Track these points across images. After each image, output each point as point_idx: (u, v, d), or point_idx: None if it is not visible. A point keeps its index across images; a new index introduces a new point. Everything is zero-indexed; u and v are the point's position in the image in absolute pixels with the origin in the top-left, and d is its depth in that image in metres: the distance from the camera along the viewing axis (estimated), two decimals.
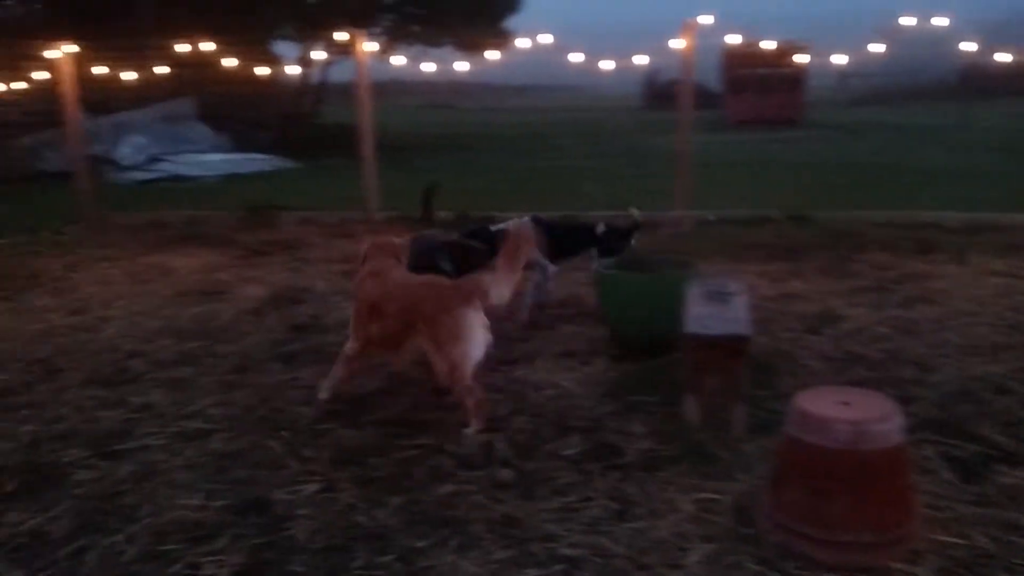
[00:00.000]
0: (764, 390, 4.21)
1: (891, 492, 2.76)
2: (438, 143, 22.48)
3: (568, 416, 4.05)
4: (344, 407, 4.15)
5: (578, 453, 3.66)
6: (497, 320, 4.17)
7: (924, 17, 8.63)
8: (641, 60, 9.63)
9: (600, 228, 5.89)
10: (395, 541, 3.01)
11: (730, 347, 3.63)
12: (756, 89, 26.91)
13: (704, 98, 33.51)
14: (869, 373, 4.55)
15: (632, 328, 4.85)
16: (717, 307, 3.95)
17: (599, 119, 31.28)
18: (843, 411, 2.77)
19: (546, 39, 9.64)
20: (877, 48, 9.00)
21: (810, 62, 12.10)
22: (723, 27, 9.08)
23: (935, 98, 29.72)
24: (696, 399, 3.77)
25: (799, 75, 26.26)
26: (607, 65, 9.59)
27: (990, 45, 9.11)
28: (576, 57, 9.56)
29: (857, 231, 8.30)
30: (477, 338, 3.82)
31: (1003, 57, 8.81)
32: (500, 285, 3.91)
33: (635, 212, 6.22)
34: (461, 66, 11.44)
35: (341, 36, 10.63)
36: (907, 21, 8.58)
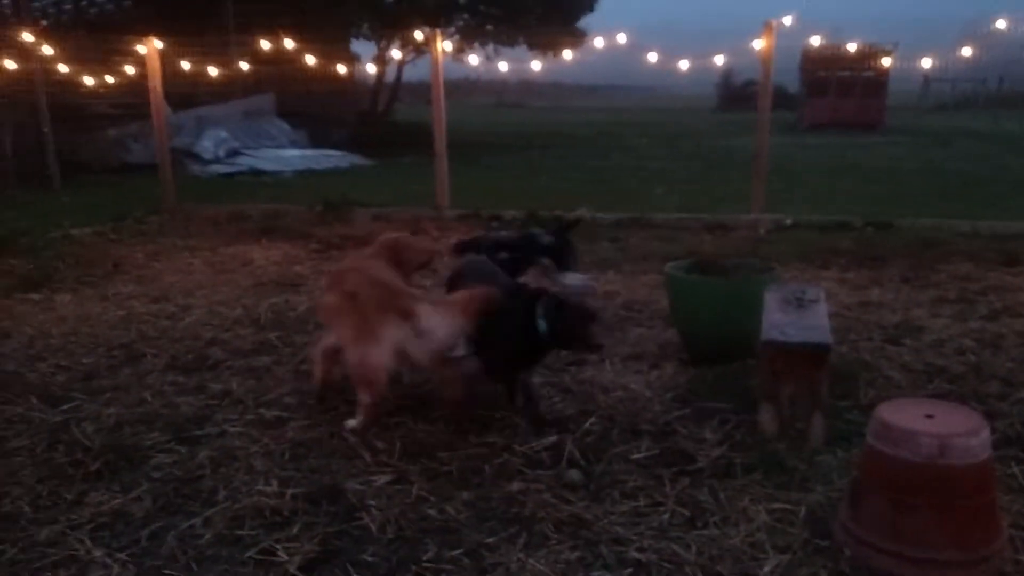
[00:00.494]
0: (843, 400, 4.12)
1: (976, 509, 2.66)
2: (510, 142, 22.55)
3: (638, 419, 4.02)
4: (414, 403, 4.20)
5: (648, 457, 3.62)
6: None
7: (1017, 20, 8.30)
8: (719, 60, 9.49)
9: (545, 238, 5.58)
10: (465, 536, 3.03)
11: (809, 355, 3.54)
12: (836, 92, 26.24)
13: (780, 99, 33.02)
14: (951, 386, 4.39)
15: (703, 332, 4.78)
16: (796, 314, 3.87)
17: (673, 120, 30.94)
18: (927, 424, 2.68)
19: (621, 38, 9.59)
20: (966, 52, 8.68)
21: (894, 66, 11.76)
22: (805, 28, 8.92)
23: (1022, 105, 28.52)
24: (772, 408, 3.69)
25: (881, 78, 25.52)
26: (683, 65, 9.48)
27: None
28: (651, 56, 9.49)
29: (941, 240, 8.03)
30: (385, 345, 3.74)
31: None
32: (437, 317, 3.78)
33: (584, 212, 5.97)
34: (535, 65, 11.46)
35: (417, 35, 10.76)
36: (1000, 24, 8.26)
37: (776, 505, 3.17)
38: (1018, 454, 3.57)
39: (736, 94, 40.88)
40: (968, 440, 2.64)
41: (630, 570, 2.82)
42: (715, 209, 9.78)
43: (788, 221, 9.10)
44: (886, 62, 11.06)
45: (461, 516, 3.15)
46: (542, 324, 3.74)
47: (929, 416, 2.75)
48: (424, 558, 2.90)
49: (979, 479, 2.66)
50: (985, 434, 2.69)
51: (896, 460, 2.68)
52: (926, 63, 9.47)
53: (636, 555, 2.89)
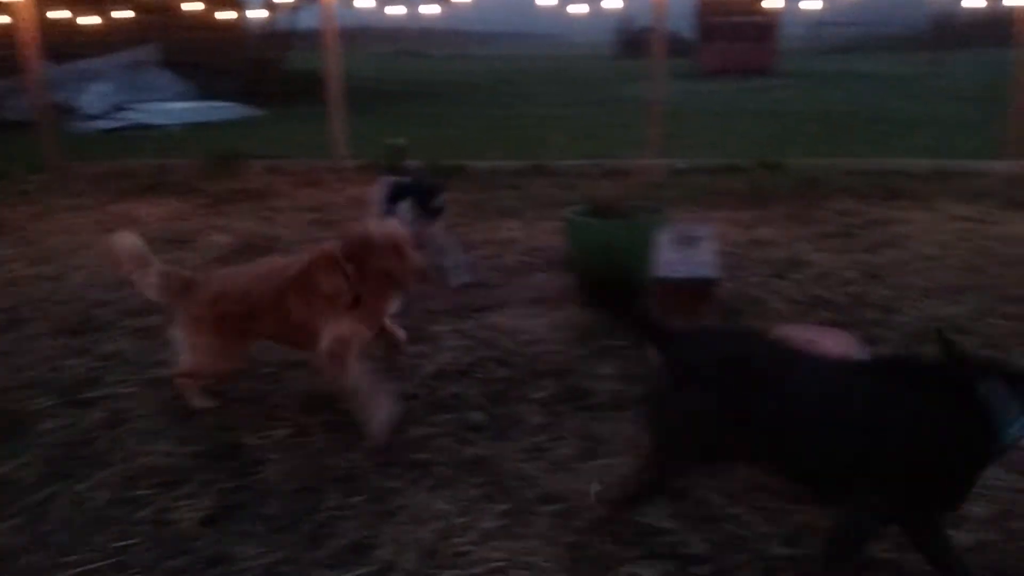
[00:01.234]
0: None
1: None
2: (407, 90, 22.18)
3: (539, 361, 4.09)
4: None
5: (549, 396, 3.70)
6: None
7: None
8: (613, 5, 9.51)
9: (405, 180, 5.47)
10: (367, 483, 3.04)
11: (697, 290, 3.66)
12: (729, 37, 26.71)
13: (677, 46, 33.38)
14: (834, 316, 4.63)
15: (600, 273, 4.86)
16: (686, 251, 3.98)
17: (571, 67, 30.98)
18: (808, 348, 2.82)
19: None
20: None
21: (783, 10, 12.06)
22: None
23: (908, 47, 29.74)
24: None
25: (772, 23, 26.12)
26: (578, 10, 9.47)
27: None
28: (547, 2, 9.44)
29: (826, 178, 8.35)
30: None
31: (973, 4, 8.81)
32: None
33: (400, 141, 5.92)
34: (429, 10, 11.24)
35: None
36: None
37: None
38: None
39: (634, 40, 41.17)
40: None
41: (530, 501, 2.89)
42: (614, 155, 9.90)
43: (682, 165, 9.30)
44: (775, 5, 11.30)
45: (363, 464, 3.16)
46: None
47: (810, 341, 2.89)
48: (325, 506, 2.90)
49: None
50: (862, 355, 2.85)
51: None
52: (812, 6, 9.72)
53: (538, 489, 2.96)
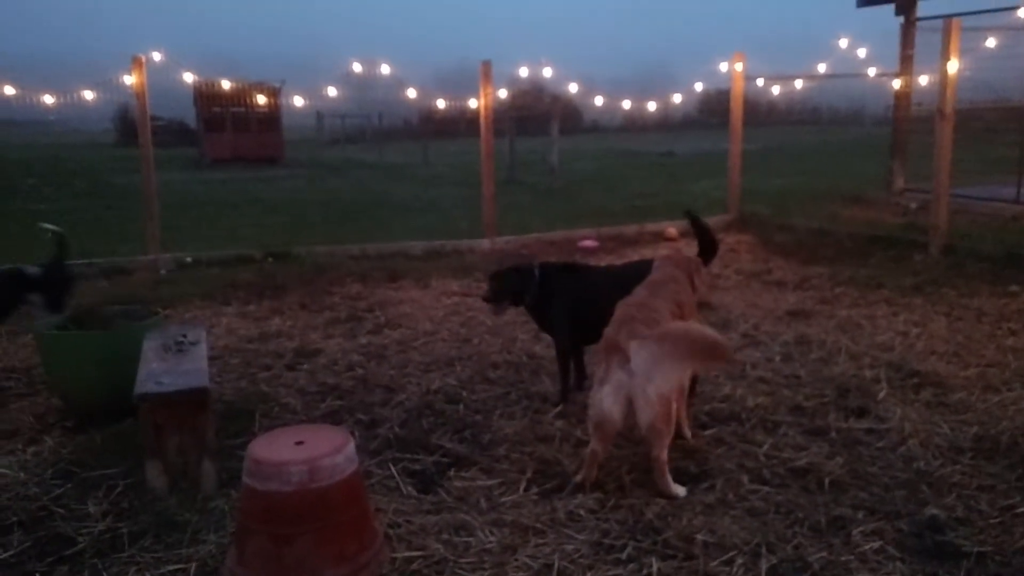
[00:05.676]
0: (239, 437, 4.09)
1: (349, 522, 2.81)
2: None
3: (7, 510, 3.43)
4: None
5: (18, 553, 3.10)
6: None
7: (373, 63, 9.38)
8: (89, 94, 8.81)
9: (32, 270, 5.11)
10: None
11: (188, 401, 3.40)
12: (233, 127, 26.73)
13: (184, 135, 32.41)
14: (342, 402, 4.70)
15: (85, 393, 4.31)
16: (174, 360, 3.70)
17: (71, 156, 28.14)
18: (296, 452, 2.76)
19: None
20: (331, 91, 9.52)
21: (284, 102, 12.38)
22: (179, 64, 8.82)
23: (403, 138, 32.76)
24: (159, 463, 3.46)
25: (274, 113, 26.78)
26: (48, 99, 8.59)
27: (431, 91, 10.24)
28: (9, 90, 8.41)
29: (334, 264, 8.66)
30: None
31: (440, 103, 9.97)
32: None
33: (48, 227, 5.47)
34: None
35: None
36: (357, 67, 9.24)
37: (167, 568, 2.97)
38: (395, 455, 3.95)
39: (135, 129, 38.91)
40: (335, 459, 2.78)
41: None
42: (114, 252, 9.09)
43: (189, 259, 8.90)
44: (261, 99, 11.61)
45: None
46: None
47: (299, 443, 2.83)
48: None
49: (349, 493, 2.82)
50: (349, 448, 2.87)
51: (270, 495, 2.70)
52: (299, 100, 10.11)
53: None
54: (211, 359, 5.06)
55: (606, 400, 3.36)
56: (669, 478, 3.46)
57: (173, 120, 33.29)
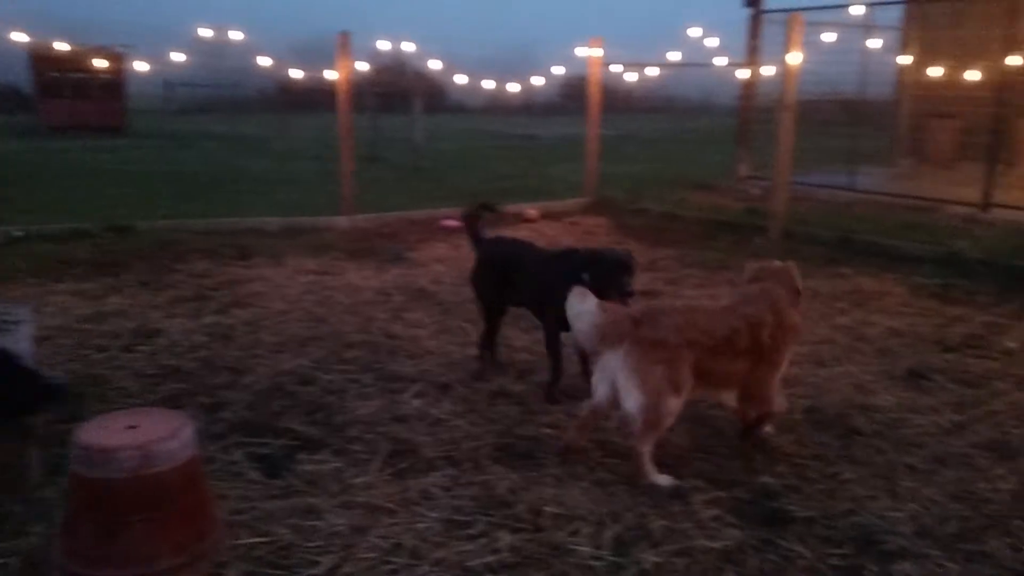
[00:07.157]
0: (69, 423, 3.81)
1: (188, 509, 2.68)
2: None
3: None
4: None
5: None
6: None
7: (223, 29, 8.93)
8: None
9: None
10: None
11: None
12: (72, 94, 24.88)
13: (18, 101, 29.86)
14: (183, 385, 4.48)
15: None
16: None
17: None
18: (127, 437, 2.59)
19: None
20: (178, 57, 9.00)
21: (129, 69, 11.61)
22: (10, 23, 8.10)
23: (256, 109, 31.44)
24: None
25: (118, 81, 25.11)
26: None
27: (286, 61, 9.87)
28: None
29: (179, 240, 8.22)
30: None
31: (296, 74, 9.63)
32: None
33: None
34: None
35: None
36: (204, 32, 8.77)
37: None
38: (241, 440, 3.80)
39: None
40: (170, 444, 2.63)
41: None
42: None
43: (19, 233, 8.22)
44: (102, 64, 10.84)
45: None
46: None
47: (132, 427, 2.66)
48: None
49: (185, 479, 2.68)
50: (187, 433, 2.72)
51: (99, 482, 2.53)
52: (142, 66, 9.51)
53: None
54: (39, 340, 4.73)
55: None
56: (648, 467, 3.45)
57: (6, 84, 30.70)
